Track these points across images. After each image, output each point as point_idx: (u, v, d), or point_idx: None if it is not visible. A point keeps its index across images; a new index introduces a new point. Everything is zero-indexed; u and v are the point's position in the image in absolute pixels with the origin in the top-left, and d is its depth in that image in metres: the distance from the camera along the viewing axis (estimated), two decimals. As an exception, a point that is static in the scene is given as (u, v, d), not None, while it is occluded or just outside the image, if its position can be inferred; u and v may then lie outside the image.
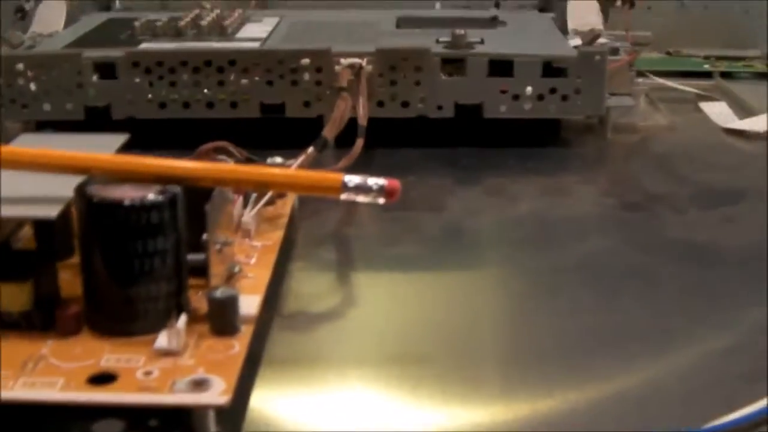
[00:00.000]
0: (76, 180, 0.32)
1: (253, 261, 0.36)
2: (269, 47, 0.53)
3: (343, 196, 0.31)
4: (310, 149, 0.41)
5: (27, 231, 0.36)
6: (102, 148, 0.36)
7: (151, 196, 0.30)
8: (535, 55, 0.52)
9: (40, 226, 0.32)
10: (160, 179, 0.31)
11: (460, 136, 0.53)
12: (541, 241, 0.42)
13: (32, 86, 0.53)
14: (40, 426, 0.29)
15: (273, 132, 0.51)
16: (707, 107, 0.61)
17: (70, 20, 0.65)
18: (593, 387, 0.31)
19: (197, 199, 0.32)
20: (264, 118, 0.53)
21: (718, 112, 0.60)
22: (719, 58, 0.70)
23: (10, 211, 0.31)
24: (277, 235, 0.38)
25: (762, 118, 0.58)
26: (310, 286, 0.38)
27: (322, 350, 0.33)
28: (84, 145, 0.37)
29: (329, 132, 0.42)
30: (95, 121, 0.53)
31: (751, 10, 0.73)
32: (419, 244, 0.42)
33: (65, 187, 0.32)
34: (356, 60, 0.50)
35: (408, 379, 0.31)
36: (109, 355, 0.30)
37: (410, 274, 0.39)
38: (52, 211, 0.31)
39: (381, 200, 0.31)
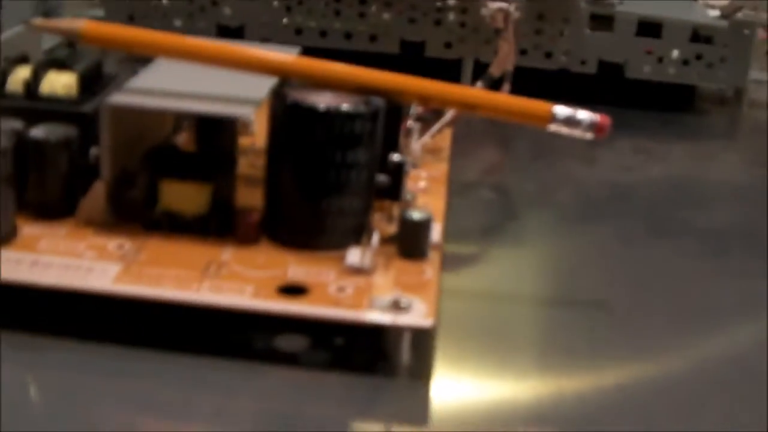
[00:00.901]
0: (265, 81, 0.31)
1: (423, 189, 0.35)
2: (414, -17, 0.52)
3: (552, 127, 0.30)
4: (478, 83, 0.39)
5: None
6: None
7: (358, 105, 0.29)
8: (685, 20, 0.50)
9: (228, 126, 0.31)
10: (363, 89, 0.30)
11: (594, 93, 0.52)
12: (693, 201, 0.41)
13: (164, 1, 0.52)
14: (218, 336, 0.28)
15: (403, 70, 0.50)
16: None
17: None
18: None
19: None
20: (393, 56, 0.51)
21: None
22: None
23: (205, 108, 0.30)
24: (442, 168, 0.37)
25: None
26: (462, 226, 0.37)
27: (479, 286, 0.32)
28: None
29: (495, 70, 0.41)
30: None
31: None
32: (571, 196, 0.41)
33: (255, 88, 0.31)
34: (504, 4, 0.49)
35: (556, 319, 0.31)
36: (295, 266, 0.29)
37: (560, 224, 0.38)
38: (248, 112, 0.29)
39: (589, 135, 0.30)
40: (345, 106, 0.29)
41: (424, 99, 0.30)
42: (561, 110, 0.30)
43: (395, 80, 0.30)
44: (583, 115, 0.30)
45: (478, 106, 0.30)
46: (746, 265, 0.35)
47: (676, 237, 0.37)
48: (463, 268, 0.33)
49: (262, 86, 0.31)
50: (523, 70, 0.48)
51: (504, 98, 0.30)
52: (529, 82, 0.46)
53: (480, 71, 0.49)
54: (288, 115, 0.29)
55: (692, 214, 0.39)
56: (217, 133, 0.31)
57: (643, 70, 0.50)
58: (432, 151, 0.39)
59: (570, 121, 0.30)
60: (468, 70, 0.51)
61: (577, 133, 0.30)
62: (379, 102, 0.30)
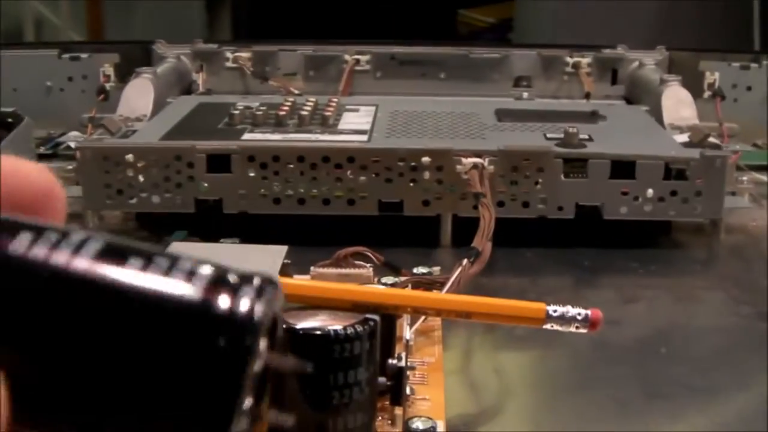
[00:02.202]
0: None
1: (425, 381, 0.35)
2: (385, 144, 0.52)
3: (546, 326, 0.30)
4: (464, 261, 0.40)
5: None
6: (265, 261, 0.35)
7: (356, 326, 0.29)
8: (656, 157, 0.51)
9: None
10: (358, 307, 0.30)
11: (569, 233, 0.52)
12: (685, 357, 0.41)
13: (140, 178, 0.52)
14: None
15: (382, 230, 0.50)
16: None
17: (156, 103, 0.64)
18: None
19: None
20: (372, 217, 0.52)
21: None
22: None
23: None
24: (437, 351, 0.38)
25: None
26: (467, 401, 0.37)
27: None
28: (243, 257, 0.36)
29: (479, 242, 0.42)
30: (204, 214, 0.52)
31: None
32: (567, 355, 0.41)
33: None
34: (478, 160, 0.50)
35: None
36: (306, 489, 0.29)
37: (559, 389, 0.39)
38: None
39: (584, 330, 0.30)
40: (342, 329, 0.29)
41: (418, 311, 0.31)
42: (554, 309, 0.30)
43: (389, 296, 0.30)
44: (575, 311, 0.30)
45: (473, 313, 0.30)
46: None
47: (671, 400, 0.37)
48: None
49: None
50: (500, 220, 0.48)
51: (498, 303, 0.30)
52: (507, 230, 0.47)
53: (458, 225, 0.50)
54: (286, 340, 0.29)
55: (685, 371, 0.39)
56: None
57: (620, 210, 0.51)
58: (424, 332, 0.39)
59: (563, 319, 0.30)
60: (447, 226, 0.51)
61: (571, 328, 0.30)
62: (374, 318, 0.30)
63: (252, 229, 0.44)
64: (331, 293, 0.30)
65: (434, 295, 0.31)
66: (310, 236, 0.45)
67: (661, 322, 0.44)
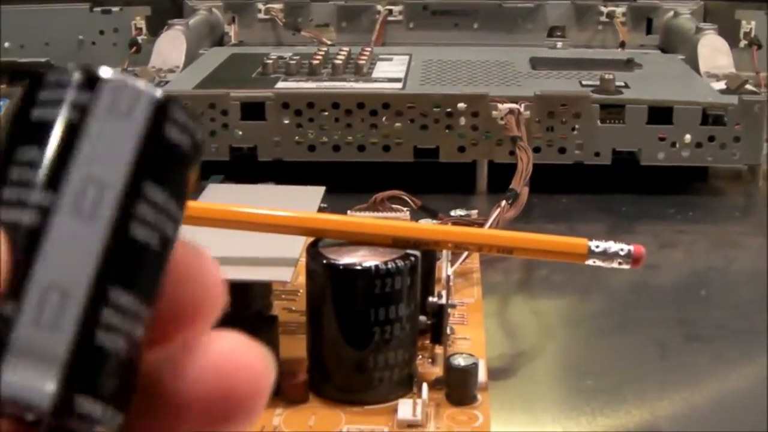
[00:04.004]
0: (296, 239, 0.31)
1: (464, 321, 0.35)
2: (421, 90, 0.52)
3: (588, 262, 0.30)
4: (503, 203, 0.39)
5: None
6: (303, 201, 0.35)
7: (397, 261, 0.29)
8: (694, 102, 0.50)
9: (264, 287, 0.31)
10: (398, 242, 0.30)
11: (605, 179, 0.52)
12: (725, 300, 0.41)
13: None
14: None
15: (417, 177, 0.50)
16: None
17: (189, 55, 0.64)
18: None
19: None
20: (407, 164, 0.51)
21: None
22: None
23: (245, 274, 0.30)
24: (476, 292, 0.37)
25: None
26: (505, 342, 0.37)
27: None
28: (281, 197, 0.36)
29: (517, 185, 0.41)
30: (239, 162, 0.52)
31: None
32: (606, 298, 0.41)
33: (288, 247, 0.31)
34: (514, 105, 0.49)
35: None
36: (348, 426, 0.29)
37: (598, 331, 0.38)
38: (285, 275, 0.29)
39: (626, 266, 0.30)
40: (383, 264, 0.29)
41: (459, 246, 0.31)
42: (596, 245, 0.30)
43: (430, 231, 0.30)
44: (618, 247, 0.30)
45: (514, 249, 0.30)
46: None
47: (711, 342, 0.37)
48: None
49: (294, 244, 0.31)
50: (536, 166, 0.48)
51: (539, 238, 0.30)
52: (544, 176, 0.47)
53: (494, 172, 0.50)
54: (328, 275, 0.29)
55: (725, 314, 0.39)
56: (252, 294, 0.32)
57: (658, 156, 0.50)
58: (462, 274, 0.39)
59: (606, 254, 0.30)
60: (483, 172, 0.51)
61: (614, 264, 0.30)
62: (416, 255, 0.30)
63: (287, 176, 0.44)
64: (372, 229, 0.30)
65: (476, 230, 0.31)
66: (345, 183, 0.45)
67: (699, 267, 0.44)
